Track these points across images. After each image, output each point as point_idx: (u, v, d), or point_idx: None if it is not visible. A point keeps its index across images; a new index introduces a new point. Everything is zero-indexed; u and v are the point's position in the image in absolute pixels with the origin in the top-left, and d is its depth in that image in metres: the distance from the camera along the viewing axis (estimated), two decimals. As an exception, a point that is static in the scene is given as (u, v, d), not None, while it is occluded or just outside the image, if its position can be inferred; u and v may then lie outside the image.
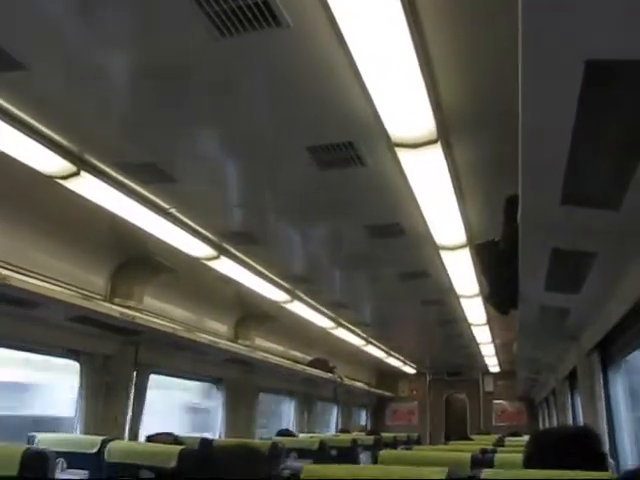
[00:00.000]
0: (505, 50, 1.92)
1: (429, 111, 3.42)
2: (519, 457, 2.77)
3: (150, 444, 4.76)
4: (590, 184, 2.54)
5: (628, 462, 4.88)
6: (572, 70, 1.77)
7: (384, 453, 4.47)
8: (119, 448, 4.47)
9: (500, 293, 4.79)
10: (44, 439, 4.72)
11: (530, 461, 2.58)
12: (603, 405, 5.42)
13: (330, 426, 13.83)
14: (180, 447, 4.21)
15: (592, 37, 1.66)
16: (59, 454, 4.36)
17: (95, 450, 4.47)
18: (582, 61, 1.73)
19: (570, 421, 8.15)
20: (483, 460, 4.23)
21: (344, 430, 12.47)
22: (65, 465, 4.45)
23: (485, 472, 2.45)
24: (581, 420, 6.73)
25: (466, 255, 6.13)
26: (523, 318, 5.58)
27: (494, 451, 5.06)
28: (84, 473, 4.47)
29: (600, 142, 2.18)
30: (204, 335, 6.99)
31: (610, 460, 4.70)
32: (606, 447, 5.04)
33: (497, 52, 2.91)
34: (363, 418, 16.74)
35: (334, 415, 14.09)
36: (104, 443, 4.48)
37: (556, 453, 2.49)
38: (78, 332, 5.48)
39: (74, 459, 4.48)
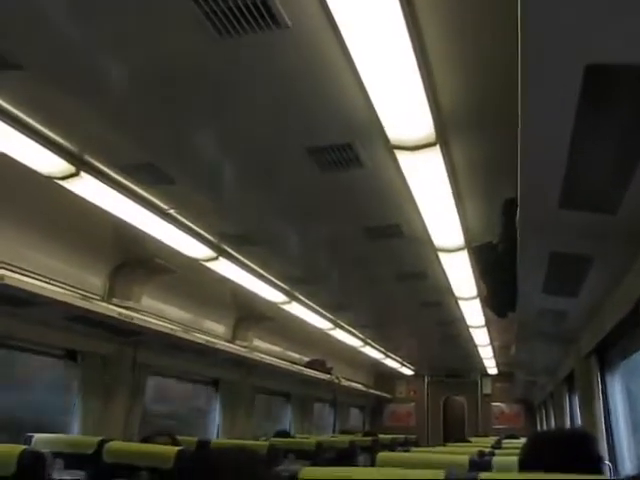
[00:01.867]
0: (504, 52, 1.92)
1: (428, 113, 3.43)
2: (517, 459, 2.76)
3: (147, 445, 4.74)
4: (588, 187, 2.54)
5: (626, 465, 4.88)
6: (572, 74, 1.77)
7: (382, 455, 4.46)
8: (116, 449, 4.45)
9: (498, 296, 4.79)
10: (41, 439, 4.71)
11: (526, 464, 2.57)
12: (601, 408, 5.42)
13: (327, 428, 13.78)
14: (177, 448, 4.20)
15: (592, 41, 1.66)
16: (56, 455, 4.36)
17: (92, 451, 4.46)
18: (582, 65, 1.73)
19: (568, 424, 8.15)
20: (481, 462, 4.22)
21: (345, 431, 12.46)
22: (62, 466, 4.44)
23: (482, 475, 2.44)
24: (579, 423, 6.72)
25: (464, 257, 6.13)
26: (521, 321, 5.58)
27: (492, 453, 5.05)
28: (81, 474, 4.46)
29: (599, 145, 2.18)
30: (202, 336, 6.98)
31: (608, 463, 4.72)
32: (604, 450, 5.05)
33: (496, 54, 2.91)
34: (360, 419, 16.71)
35: (331, 416, 14.05)
36: (101, 444, 4.47)
37: (551, 456, 2.48)
38: (76, 332, 5.47)
39: (71, 460, 4.46)
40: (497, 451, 5.56)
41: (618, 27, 1.59)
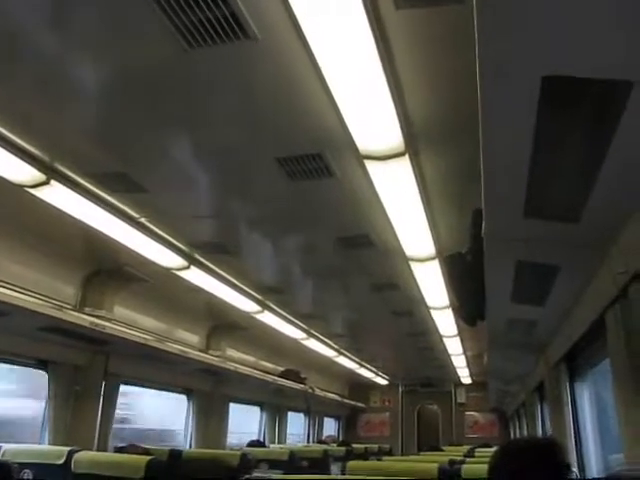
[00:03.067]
0: (472, 65, 1.95)
1: (396, 124, 3.46)
2: (486, 468, 2.79)
3: (117, 455, 4.74)
4: (551, 196, 2.59)
5: (593, 471, 4.93)
6: (529, 85, 1.81)
7: (353, 463, 4.50)
8: (86, 459, 4.43)
9: (468, 305, 4.83)
10: (10, 450, 4.67)
11: (495, 472, 2.60)
12: (570, 415, 5.48)
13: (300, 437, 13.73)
14: (148, 458, 4.19)
15: (548, 54, 1.70)
16: (25, 465, 4.33)
17: (62, 461, 4.43)
18: (539, 76, 1.77)
19: (539, 432, 8.21)
20: (451, 471, 4.25)
21: (321, 442, 12.43)
22: (31, 476, 4.40)
23: (450, 482, 2.47)
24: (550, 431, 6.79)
25: (436, 267, 6.16)
26: (491, 330, 5.63)
27: (462, 462, 5.08)
28: (51, 484, 4.44)
29: (560, 155, 2.22)
30: (175, 345, 6.96)
31: (575, 470, 4.77)
32: (572, 456, 5.10)
33: (464, 66, 2.92)
34: (335, 429, 16.68)
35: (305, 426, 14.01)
36: (71, 454, 4.44)
37: (519, 464, 2.51)
38: (47, 341, 5.43)
39: (40, 470, 4.43)
40: (468, 459, 5.60)
41: (570, 41, 1.63)
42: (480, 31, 1.61)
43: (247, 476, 2.78)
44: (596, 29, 1.57)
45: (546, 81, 1.76)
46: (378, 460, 5.88)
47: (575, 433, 5.40)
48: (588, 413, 5.31)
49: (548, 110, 1.91)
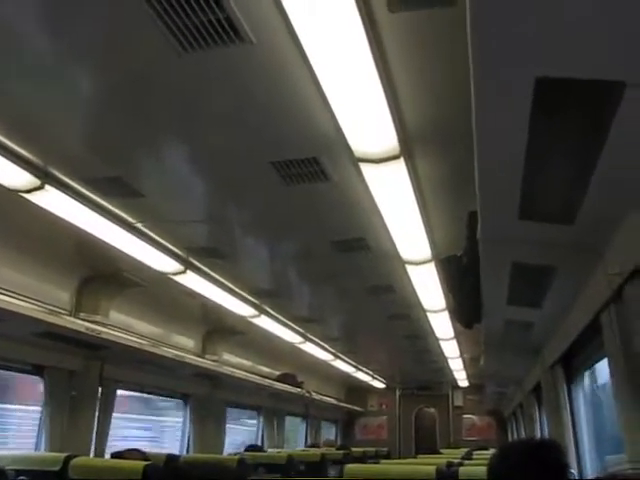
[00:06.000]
0: (466, 66, 1.95)
1: (391, 126, 3.46)
2: (484, 470, 2.79)
3: (114, 460, 4.71)
4: (546, 198, 2.59)
5: (589, 472, 4.94)
6: (523, 87, 1.81)
7: (350, 467, 4.48)
8: (83, 465, 4.41)
9: (464, 307, 4.83)
10: (4, 457, 4.64)
11: (494, 474, 2.60)
12: (568, 416, 5.47)
13: (299, 442, 13.72)
14: (145, 463, 4.17)
15: (542, 54, 1.70)
16: (21, 472, 4.31)
17: (58, 467, 4.41)
18: (532, 78, 1.77)
19: (537, 434, 8.21)
20: (448, 473, 4.25)
21: (314, 445, 12.43)
22: (27, 483, 4.39)
23: (447, 484, 2.47)
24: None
25: (432, 270, 6.15)
26: (487, 332, 5.64)
27: (460, 464, 5.09)
28: (47, 491, 4.41)
29: (554, 157, 2.22)
30: (171, 350, 6.95)
31: (573, 471, 4.77)
32: (572, 457, 5.10)
33: (458, 68, 2.92)
34: (332, 433, 16.67)
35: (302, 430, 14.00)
36: (67, 460, 4.42)
37: (519, 465, 2.51)
38: (43, 347, 5.41)
39: (37, 477, 4.40)
40: (466, 462, 5.60)
41: (564, 40, 1.63)
42: (473, 31, 1.61)
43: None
44: (591, 28, 1.57)
45: (539, 83, 1.76)
46: (375, 463, 5.87)
47: (573, 434, 5.41)
48: (585, 414, 5.31)
49: (541, 113, 1.92)
